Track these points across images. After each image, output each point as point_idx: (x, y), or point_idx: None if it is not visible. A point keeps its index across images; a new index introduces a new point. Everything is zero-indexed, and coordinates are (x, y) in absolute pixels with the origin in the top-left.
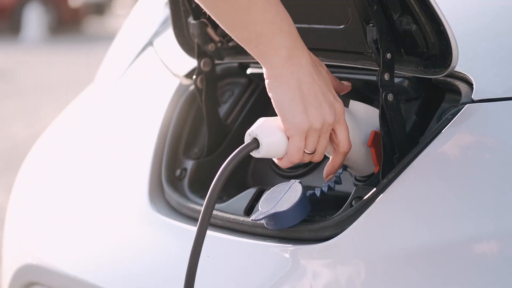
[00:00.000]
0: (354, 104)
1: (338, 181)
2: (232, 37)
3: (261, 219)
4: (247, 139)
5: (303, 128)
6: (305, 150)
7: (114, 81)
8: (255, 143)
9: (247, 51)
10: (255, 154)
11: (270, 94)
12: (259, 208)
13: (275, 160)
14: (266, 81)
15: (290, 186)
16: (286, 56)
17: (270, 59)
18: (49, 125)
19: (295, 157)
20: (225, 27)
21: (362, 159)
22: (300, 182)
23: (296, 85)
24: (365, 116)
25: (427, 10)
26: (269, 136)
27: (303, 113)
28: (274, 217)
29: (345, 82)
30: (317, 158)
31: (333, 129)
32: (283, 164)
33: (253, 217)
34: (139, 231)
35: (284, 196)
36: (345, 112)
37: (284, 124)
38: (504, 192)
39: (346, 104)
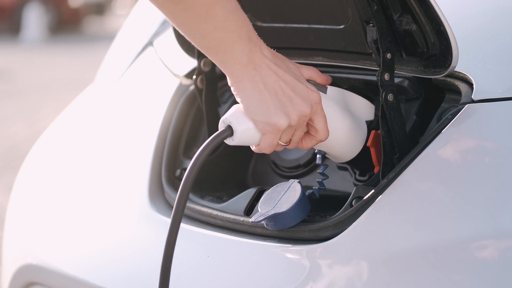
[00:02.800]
0: (332, 90)
1: (324, 174)
2: (193, 44)
3: (261, 220)
4: (221, 126)
5: (278, 128)
6: (280, 142)
7: (114, 81)
8: (229, 131)
9: (209, 58)
10: (229, 141)
11: (237, 100)
12: (259, 209)
13: (252, 147)
14: (231, 88)
15: (289, 186)
16: (246, 61)
17: (231, 66)
18: (49, 125)
19: (268, 150)
20: (186, 35)
21: (342, 145)
22: (299, 182)
23: (261, 88)
24: (344, 101)
25: (427, 10)
26: (243, 124)
27: (274, 114)
28: (274, 218)
29: (327, 75)
30: (292, 147)
31: (310, 119)
32: (258, 151)
33: (252, 218)
34: (139, 231)
35: (284, 197)
36: (324, 100)
37: (257, 125)
38: (504, 192)
39: (324, 90)
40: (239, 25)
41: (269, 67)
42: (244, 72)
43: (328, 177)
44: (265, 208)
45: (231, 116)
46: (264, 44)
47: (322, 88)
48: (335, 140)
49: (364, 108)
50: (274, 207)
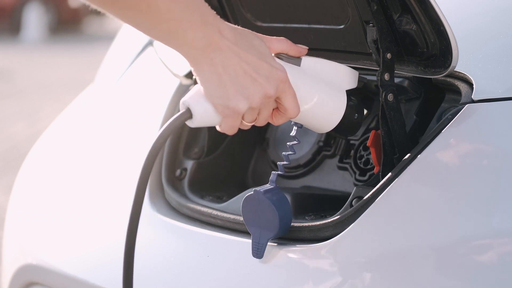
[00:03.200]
0: (307, 61)
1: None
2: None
3: (263, 252)
4: (181, 108)
5: (237, 112)
6: (244, 123)
7: (114, 81)
8: (188, 113)
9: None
10: (189, 123)
11: (198, 82)
12: (251, 239)
13: (217, 127)
14: (192, 70)
15: (257, 200)
16: (202, 46)
17: (186, 52)
18: (49, 125)
19: (230, 132)
20: (136, 29)
21: (318, 118)
22: (259, 190)
23: (220, 71)
24: (321, 72)
25: (427, 10)
26: (201, 107)
27: (233, 98)
28: (270, 237)
29: (301, 46)
30: (260, 124)
31: (278, 98)
32: (221, 131)
33: (254, 255)
34: (139, 231)
35: (262, 214)
36: (297, 74)
37: (216, 108)
38: (504, 192)
39: (297, 63)
40: (189, 11)
41: (229, 48)
42: (201, 56)
43: (295, 153)
44: (255, 238)
45: (190, 99)
46: (224, 24)
47: (296, 61)
48: (310, 113)
49: (345, 77)
50: (261, 233)
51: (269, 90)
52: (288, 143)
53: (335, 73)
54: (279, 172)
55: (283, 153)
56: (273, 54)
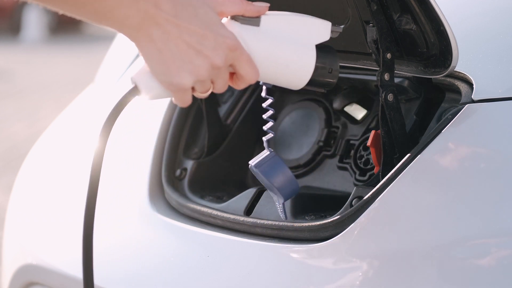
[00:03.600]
0: (268, 19)
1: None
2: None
3: (284, 214)
4: (131, 84)
5: (183, 88)
6: (199, 94)
7: (114, 81)
8: (137, 90)
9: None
10: (141, 99)
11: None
12: (276, 203)
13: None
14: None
15: (255, 173)
16: (137, 23)
17: (121, 30)
18: (49, 125)
19: (184, 105)
20: (64, 12)
21: (285, 77)
22: (251, 165)
23: (160, 47)
24: (285, 28)
25: (427, 10)
26: (147, 84)
27: (176, 74)
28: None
29: (259, 3)
30: (219, 91)
31: (231, 65)
32: (175, 103)
33: (283, 217)
34: (139, 231)
35: (266, 183)
36: (255, 36)
37: (162, 84)
38: (504, 192)
39: (256, 23)
40: None
41: (168, 22)
42: (138, 33)
43: (273, 111)
44: (276, 201)
45: (136, 76)
46: None
47: (254, 21)
48: (276, 74)
49: (314, 30)
50: (277, 197)
51: (216, 61)
52: (264, 116)
53: (301, 28)
54: (270, 135)
55: (264, 128)
56: (229, 18)
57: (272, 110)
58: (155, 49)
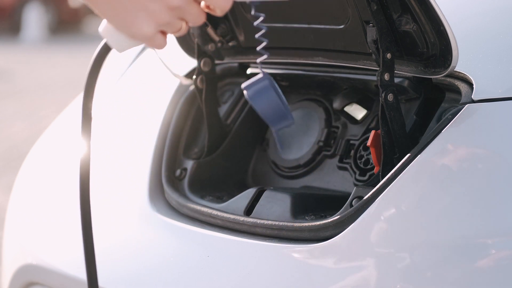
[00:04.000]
0: None
1: None
2: None
3: (281, 145)
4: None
5: (147, 36)
6: (172, 35)
7: (114, 81)
8: (107, 45)
9: None
10: (116, 51)
11: None
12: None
13: None
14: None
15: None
16: None
17: None
18: (49, 125)
19: (160, 48)
20: None
21: None
22: (242, 87)
23: (110, 0)
24: None
25: (427, 10)
26: (114, 38)
27: (132, 25)
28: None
29: None
30: (195, 25)
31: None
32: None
33: (278, 147)
34: (139, 231)
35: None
36: None
37: (127, 36)
38: (504, 192)
39: None
40: None
41: None
42: None
43: (267, 29)
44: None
45: (103, 31)
46: None
47: None
48: None
49: None
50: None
51: (172, 1)
52: (256, 36)
53: None
54: (265, 56)
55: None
56: None
57: (265, 29)
58: (106, 3)
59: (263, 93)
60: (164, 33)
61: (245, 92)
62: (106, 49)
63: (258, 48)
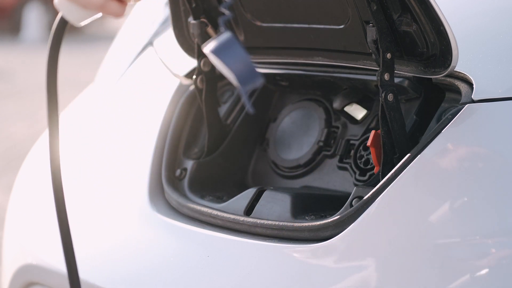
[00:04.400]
0: None
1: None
2: None
3: (250, 106)
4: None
5: (96, 5)
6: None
7: (114, 81)
8: (63, 20)
9: None
10: (74, 25)
11: None
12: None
13: None
14: None
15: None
16: None
17: None
18: None
19: (117, 17)
20: None
21: None
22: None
23: None
24: None
25: (427, 10)
26: (69, 8)
27: None
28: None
29: None
30: None
31: None
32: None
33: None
34: (139, 231)
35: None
36: None
37: (80, 6)
38: (504, 191)
39: None
40: None
41: None
42: None
43: (232, 16)
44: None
45: (58, 4)
46: None
47: None
48: None
49: None
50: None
51: None
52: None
53: None
54: (229, 14)
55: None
56: None
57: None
58: None
59: (229, 48)
60: (120, 0)
61: (209, 50)
62: (63, 23)
63: (221, 8)
